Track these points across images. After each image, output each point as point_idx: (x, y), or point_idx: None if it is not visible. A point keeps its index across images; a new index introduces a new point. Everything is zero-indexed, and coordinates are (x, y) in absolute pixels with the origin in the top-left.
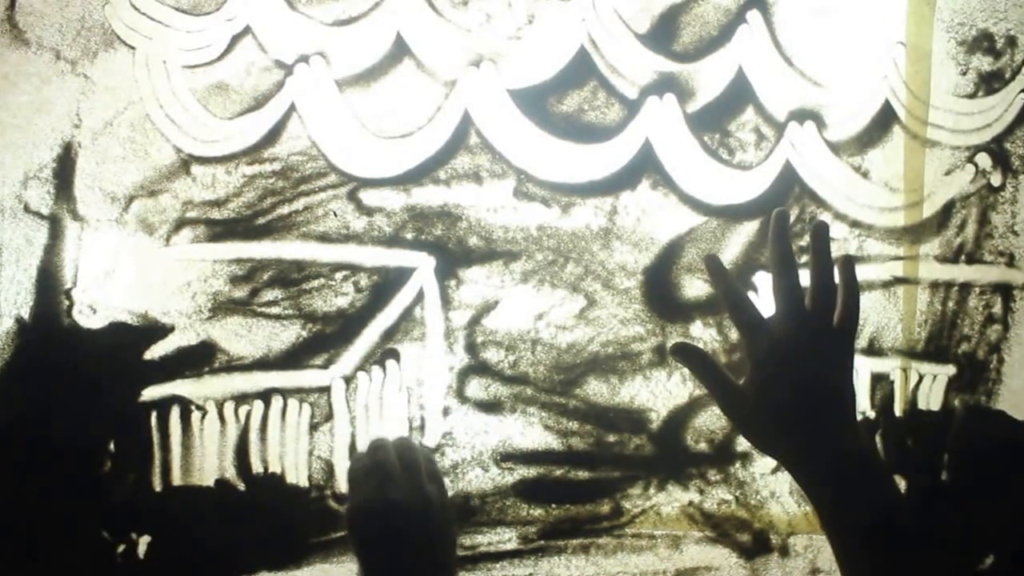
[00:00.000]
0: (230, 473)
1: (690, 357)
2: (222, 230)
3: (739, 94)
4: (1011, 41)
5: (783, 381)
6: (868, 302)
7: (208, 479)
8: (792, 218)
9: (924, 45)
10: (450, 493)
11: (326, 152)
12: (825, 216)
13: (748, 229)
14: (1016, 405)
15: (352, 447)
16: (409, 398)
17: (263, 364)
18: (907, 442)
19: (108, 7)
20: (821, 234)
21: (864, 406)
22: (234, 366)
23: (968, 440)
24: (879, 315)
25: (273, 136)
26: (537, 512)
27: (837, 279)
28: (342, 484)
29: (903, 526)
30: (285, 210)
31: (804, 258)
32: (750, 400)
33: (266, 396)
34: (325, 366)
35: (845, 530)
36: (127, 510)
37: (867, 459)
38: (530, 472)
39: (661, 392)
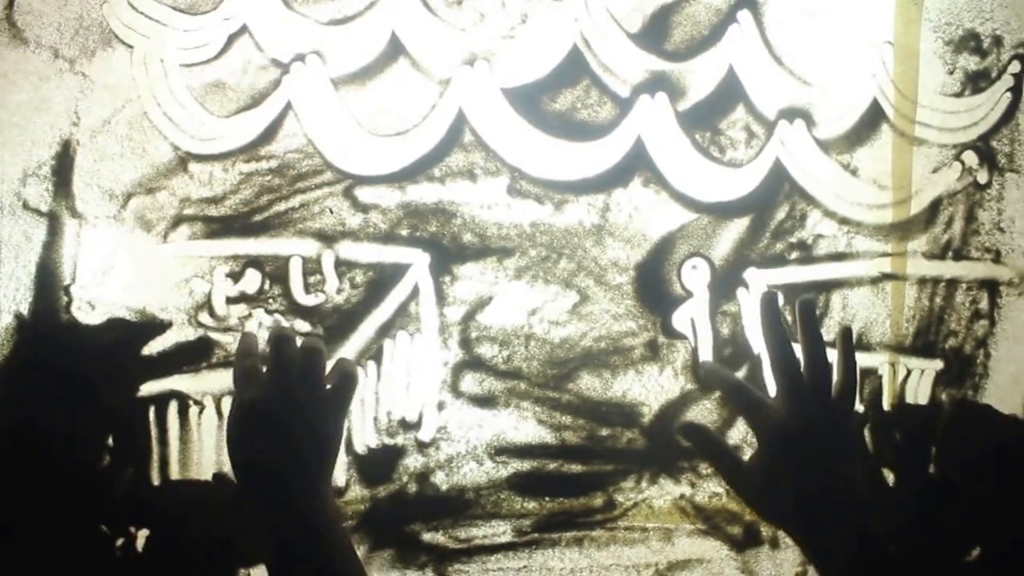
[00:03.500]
0: (227, 468)
1: (697, 438)
2: (219, 227)
3: (730, 93)
4: (997, 41)
5: (788, 461)
6: (856, 298)
7: (206, 473)
8: (782, 215)
9: (912, 45)
10: (444, 487)
11: (322, 150)
12: (814, 213)
13: (739, 226)
14: (1002, 399)
15: (348, 441)
16: (404, 393)
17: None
18: (895, 436)
19: (106, 6)
20: (808, 311)
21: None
22: (231, 362)
23: (955, 434)
24: (867, 311)
25: (270, 134)
26: (531, 505)
27: (833, 353)
28: (339, 478)
29: None
30: (282, 207)
31: (796, 251)
32: (757, 478)
33: None
34: None
35: None
36: (125, 504)
37: (866, 537)
38: (524, 466)
39: (653, 387)
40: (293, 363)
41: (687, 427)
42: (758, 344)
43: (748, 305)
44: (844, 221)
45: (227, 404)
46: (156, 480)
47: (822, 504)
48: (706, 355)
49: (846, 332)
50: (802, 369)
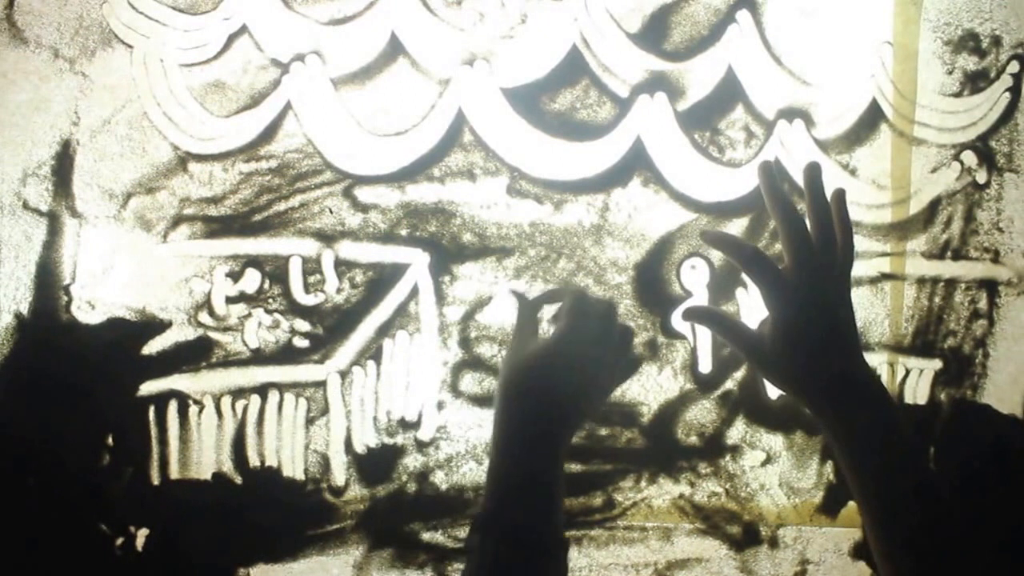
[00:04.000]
0: (227, 467)
1: (706, 316)
2: (219, 227)
3: (729, 93)
4: (996, 41)
5: (800, 322)
6: (856, 298)
7: (205, 473)
8: None
9: (911, 45)
10: (444, 486)
11: (322, 149)
12: None
13: (738, 225)
14: (1001, 399)
15: (348, 441)
16: (403, 392)
17: (259, 359)
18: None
19: (106, 6)
20: (815, 176)
21: None
22: (231, 361)
23: (954, 434)
24: (867, 310)
25: (269, 134)
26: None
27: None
28: (338, 477)
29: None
30: (281, 207)
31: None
32: (769, 344)
33: (263, 391)
34: (321, 361)
35: (860, 449)
36: (125, 503)
37: (872, 381)
38: None
39: (652, 386)
40: (590, 320)
41: (694, 311)
42: (746, 301)
43: (747, 305)
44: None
45: (226, 403)
46: (156, 479)
47: (826, 351)
48: (705, 351)
49: (840, 195)
50: (809, 231)
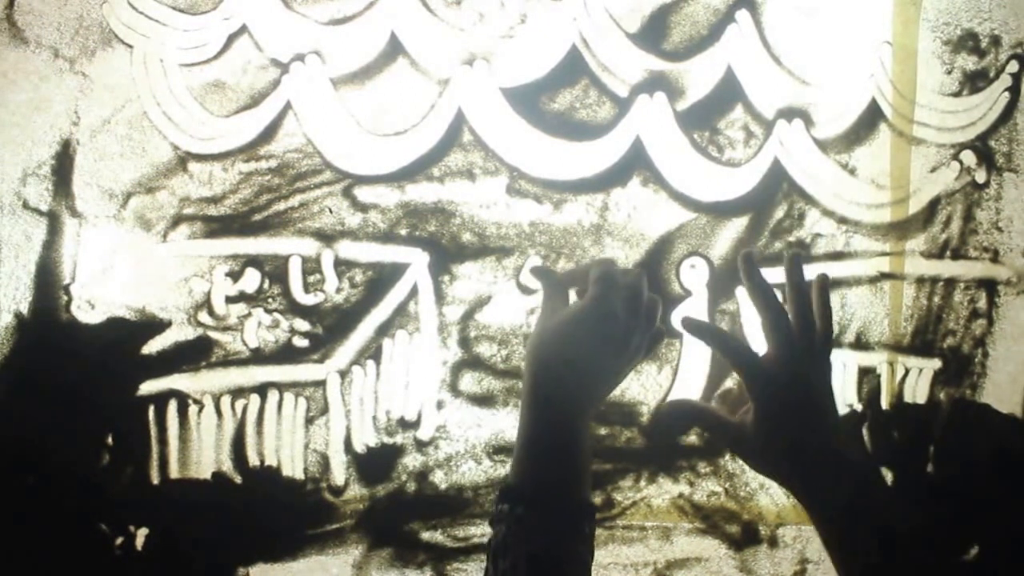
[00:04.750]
0: (227, 466)
1: (689, 412)
2: (219, 226)
3: (728, 92)
4: (995, 40)
5: (779, 410)
6: (855, 297)
7: (205, 472)
8: (781, 214)
9: (910, 44)
10: (443, 486)
11: (321, 149)
12: (812, 212)
13: (737, 225)
14: (1000, 398)
15: (347, 440)
16: (403, 392)
17: (259, 358)
18: (893, 435)
19: (106, 6)
20: (795, 265)
21: (852, 399)
22: (231, 360)
23: (953, 433)
24: (866, 310)
25: (269, 133)
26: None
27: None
28: (337, 477)
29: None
30: (281, 207)
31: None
32: (751, 432)
33: (262, 390)
34: (320, 360)
35: (849, 541)
36: (125, 503)
37: (849, 466)
38: None
39: (651, 385)
40: (619, 288)
41: (676, 404)
42: (745, 301)
43: (747, 304)
44: (842, 220)
45: (225, 403)
46: (155, 479)
47: (818, 449)
48: (703, 354)
49: (822, 281)
50: (791, 320)
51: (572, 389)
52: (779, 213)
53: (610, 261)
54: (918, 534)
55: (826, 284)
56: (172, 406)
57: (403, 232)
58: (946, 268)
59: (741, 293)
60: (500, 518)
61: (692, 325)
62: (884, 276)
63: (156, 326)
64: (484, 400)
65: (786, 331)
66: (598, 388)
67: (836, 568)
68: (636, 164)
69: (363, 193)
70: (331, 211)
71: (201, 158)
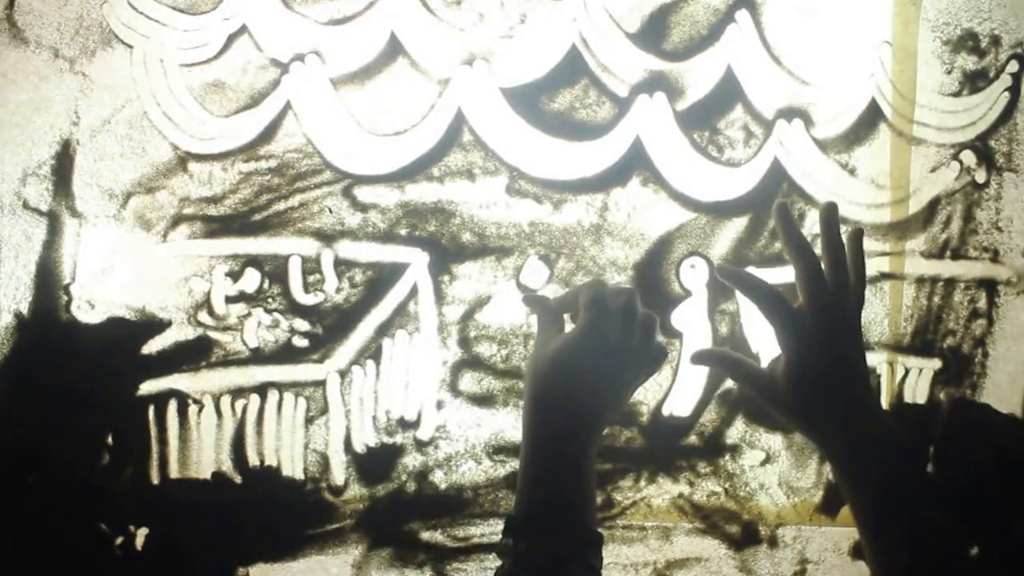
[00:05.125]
0: (227, 466)
1: (715, 358)
2: (218, 226)
3: (728, 92)
4: (995, 40)
5: (812, 359)
6: None
7: (205, 472)
8: None
9: (910, 44)
10: (443, 486)
11: (321, 149)
12: (812, 212)
13: (737, 225)
14: (1000, 398)
15: (347, 440)
16: (403, 392)
17: (259, 358)
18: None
19: (106, 6)
20: (831, 216)
21: None
22: (230, 360)
23: (953, 433)
24: (866, 310)
25: (269, 133)
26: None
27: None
28: (337, 477)
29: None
30: (281, 206)
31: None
32: (780, 380)
33: (262, 390)
34: (320, 360)
35: (863, 477)
36: (125, 503)
37: (879, 415)
38: None
39: (651, 385)
40: (611, 311)
41: (704, 354)
42: (745, 301)
43: (747, 304)
44: (842, 220)
45: (225, 402)
46: (156, 478)
47: (842, 391)
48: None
49: (856, 235)
50: (823, 270)
51: (575, 419)
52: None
53: (600, 283)
54: (938, 509)
55: (860, 238)
56: (172, 406)
57: (403, 232)
58: (946, 268)
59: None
60: (505, 551)
61: (726, 272)
62: (884, 276)
63: (156, 326)
64: (484, 400)
65: (820, 281)
66: (600, 415)
67: (859, 527)
68: (636, 164)
69: (363, 193)
70: (331, 211)
71: (201, 158)
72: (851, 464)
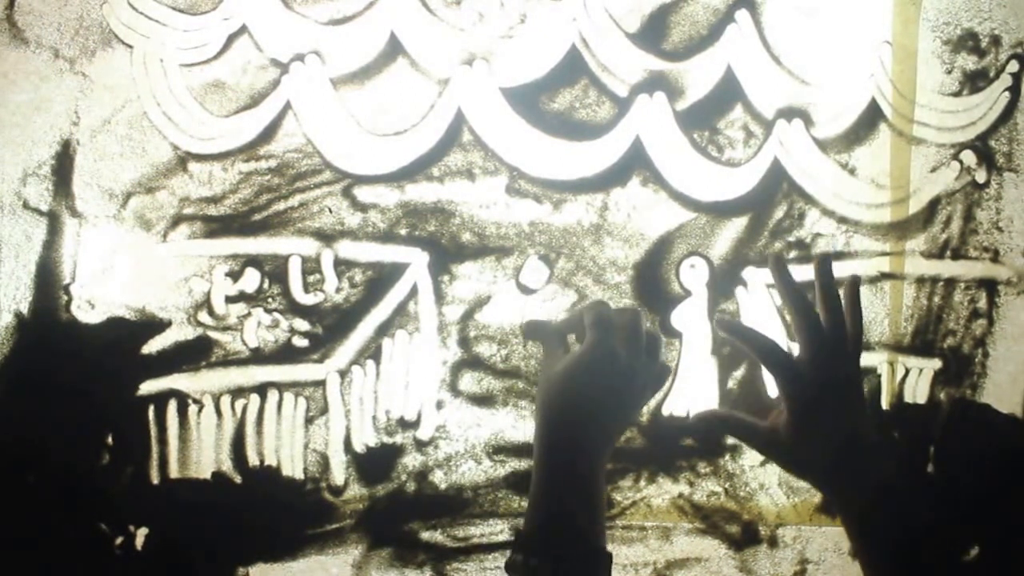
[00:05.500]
0: (227, 466)
1: (716, 421)
2: (218, 226)
3: (728, 92)
4: (995, 40)
5: (813, 411)
6: None
7: (205, 472)
8: (780, 214)
9: (910, 44)
10: (443, 486)
11: (321, 149)
12: (812, 212)
13: (737, 225)
14: (1001, 398)
15: (347, 440)
16: (403, 392)
17: (259, 358)
18: (893, 435)
19: (106, 6)
20: (825, 267)
21: None
22: (230, 360)
23: (954, 433)
24: (866, 310)
25: (269, 133)
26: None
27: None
28: (337, 477)
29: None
30: (281, 206)
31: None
32: (783, 434)
33: (262, 390)
34: (320, 360)
35: (878, 541)
36: (125, 503)
37: (879, 463)
38: (522, 464)
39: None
40: (617, 330)
41: (703, 417)
42: (745, 301)
43: (747, 304)
44: (842, 220)
45: (225, 402)
46: (155, 478)
47: (851, 448)
48: (703, 354)
49: (853, 283)
50: (822, 324)
51: (583, 438)
52: (779, 213)
53: (603, 303)
54: (942, 539)
55: (857, 286)
56: (172, 406)
57: (403, 232)
58: (946, 268)
59: (741, 293)
60: (515, 568)
61: (725, 325)
62: (884, 276)
63: (156, 326)
64: (484, 400)
65: (817, 333)
66: (609, 433)
67: (863, 569)
68: (636, 164)
69: (363, 193)
70: (331, 211)
71: (201, 158)
72: (858, 512)
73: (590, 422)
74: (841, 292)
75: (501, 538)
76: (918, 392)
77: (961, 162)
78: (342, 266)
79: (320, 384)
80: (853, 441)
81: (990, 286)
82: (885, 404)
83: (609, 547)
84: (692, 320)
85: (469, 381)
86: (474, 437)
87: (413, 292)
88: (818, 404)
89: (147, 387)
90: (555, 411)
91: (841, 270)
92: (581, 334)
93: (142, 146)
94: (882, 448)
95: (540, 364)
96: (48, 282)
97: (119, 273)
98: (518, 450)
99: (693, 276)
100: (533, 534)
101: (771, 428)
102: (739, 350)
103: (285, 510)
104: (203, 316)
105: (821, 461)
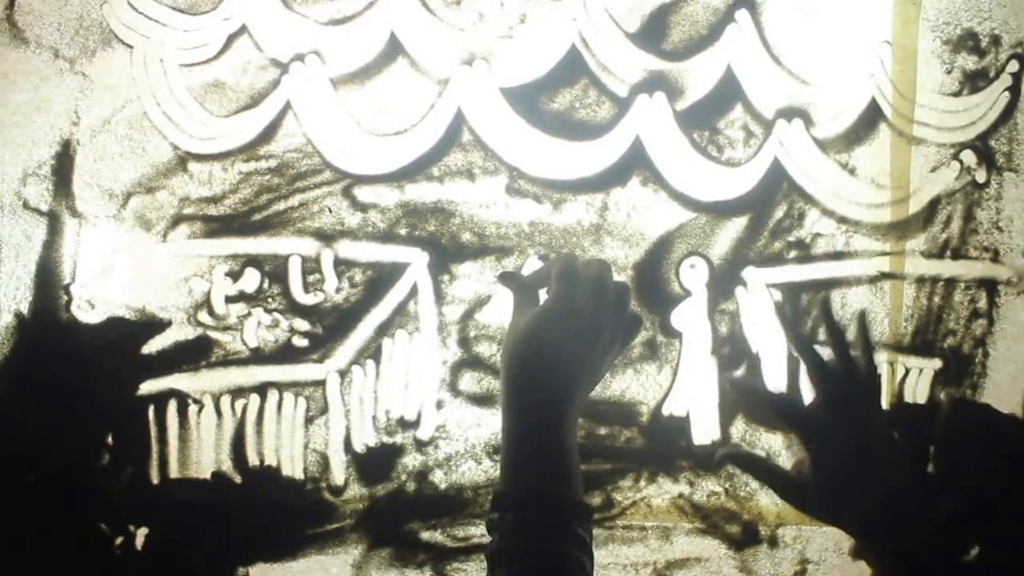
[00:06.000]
0: (227, 466)
1: (744, 461)
2: (218, 226)
3: (728, 92)
4: (995, 40)
5: (834, 456)
6: (855, 297)
7: (205, 472)
8: (780, 214)
9: (910, 44)
10: (443, 485)
11: (321, 149)
12: (812, 212)
13: (737, 225)
14: (1000, 398)
15: (347, 440)
16: (403, 391)
17: (259, 358)
18: (893, 434)
19: (106, 6)
20: (827, 308)
21: None
22: (230, 360)
23: (954, 433)
24: (866, 310)
25: (269, 133)
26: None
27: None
28: (337, 477)
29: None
30: (281, 206)
31: (795, 253)
32: (810, 483)
33: (262, 390)
34: (320, 360)
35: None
36: (125, 502)
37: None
38: None
39: (651, 385)
40: (582, 281)
41: (731, 455)
42: (745, 301)
43: (747, 304)
44: (842, 220)
45: (225, 402)
46: (155, 478)
47: (877, 490)
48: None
49: (861, 319)
50: (832, 370)
51: (549, 389)
52: (779, 213)
53: (571, 256)
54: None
55: (864, 319)
56: (172, 406)
57: (403, 232)
58: (946, 268)
59: (740, 293)
60: (493, 526)
61: (737, 384)
62: (884, 276)
63: (156, 326)
64: (484, 400)
65: (826, 375)
66: (577, 384)
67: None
68: (636, 164)
69: (363, 193)
70: (331, 211)
71: (201, 158)
72: (883, 559)
73: (555, 374)
74: (852, 326)
75: None
76: (918, 392)
77: (961, 162)
78: (342, 266)
79: (320, 384)
80: (880, 483)
81: (990, 286)
82: (885, 404)
83: (609, 547)
84: (692, 320)
85: (469, 381)
86: (474, 437)
87: (413, 292)
88: (837, 447)
89: (147, 387)
90: (517, 363)
91: (841, 270)
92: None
93: (142, 146)
94: (917, 491)
95: (510, 318)
96: (48, 282)
97: (119, 273)
98: None
99: (693, 276)
100: (507, 490)
101: (796, 476)
102: (752, 402)
103: (285, 510)
104: (203, 316)
105: (848, 506)
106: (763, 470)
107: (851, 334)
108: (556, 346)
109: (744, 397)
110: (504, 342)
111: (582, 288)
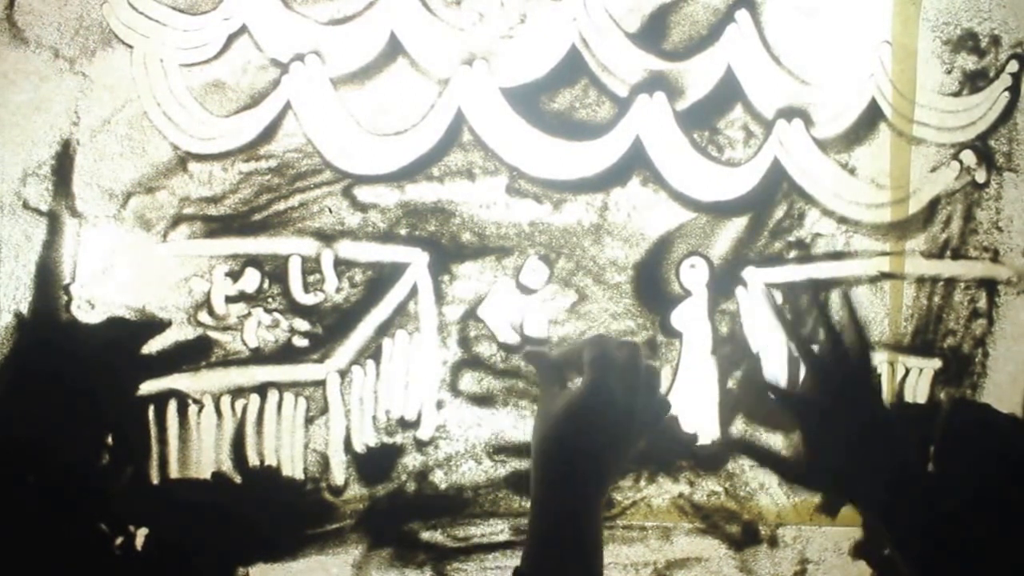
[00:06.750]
0: (227, 466)
1: (744, 448)
2: (218, 226)
3: (728, 92)
4: (995, 40)
5: (838, 435)
6: (855, 297)
7: (205, 472)
8: (780, 214)
9: (910, 44)
10: (443, 486)
11: (321, 149)
12: (812, 212)
13: (737, 225)
14: (1001, 398)
15: (347, 440)
16: (403, 391)
17: (259, 358)
18: (893, 434)
19: (106, 6)
20: (827, 309)
21: None
22: (230, 360)
23: (953, 433)
24: (866, 310)
25: (269, 133)
26: (529, 504)
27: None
28: (337, 477)
29: None
30: (281, 206)
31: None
32: (814, 461)
33: (262, 390)
34: (320, 360)
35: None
36: (125, 503)
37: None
38: (522, 464)
39: None
40: (615, 368)
41: (740, 447)
42: (745, 301)
43: (747, 304)
44: (842, 220)
45: (225, 402)
46: (155, 479)
47: (877, 462)
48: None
49: (844, 296)
50: (827, 355)
51: (580, 482)
52: (779, 213)
53: (603, 338)
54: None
55: (847, 297)
56: (172, 406)
57: (403, 232)
58: (946, 268)
59: (741, 293)
60: None
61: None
62: (884, 276)
63: (156, 326)
64: (484, 400)
65: (814, 359)
66: (606, 475)
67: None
68: (636, 164)
69: (363, 193)
70: (331, 211)
71: (201, 158)
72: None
73: (587, 465)
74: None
75: (501, 538)
76: (918, 392)
77: (961, 162)
78: (342, 266)
79: (320, 384)
80: (880, 455)
81: (990, 286)
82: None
83: (609, 547)
84: (692, 320)
85: (469, 381)
86: (474, 437)
87: (413, 292)
88: (835, 425)
89: (147, 387)
90: (548, 459)
91: (841, 270)
92: (580, 368)
93: (142, 146)
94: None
95: (537, 399)
96: (48, 282)
97: (119, 273)
98: (518, 450)
99: (693, 276)
100: (530, 570)
101: (796, 456)
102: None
103: (285, 510)
104: (203, 316)
105: (853, 483)
106: (763, 452)
107: (839, 314)
108: (592, 437)
109: (745, 393)
110: (535, 427)
111: (615, 375)
